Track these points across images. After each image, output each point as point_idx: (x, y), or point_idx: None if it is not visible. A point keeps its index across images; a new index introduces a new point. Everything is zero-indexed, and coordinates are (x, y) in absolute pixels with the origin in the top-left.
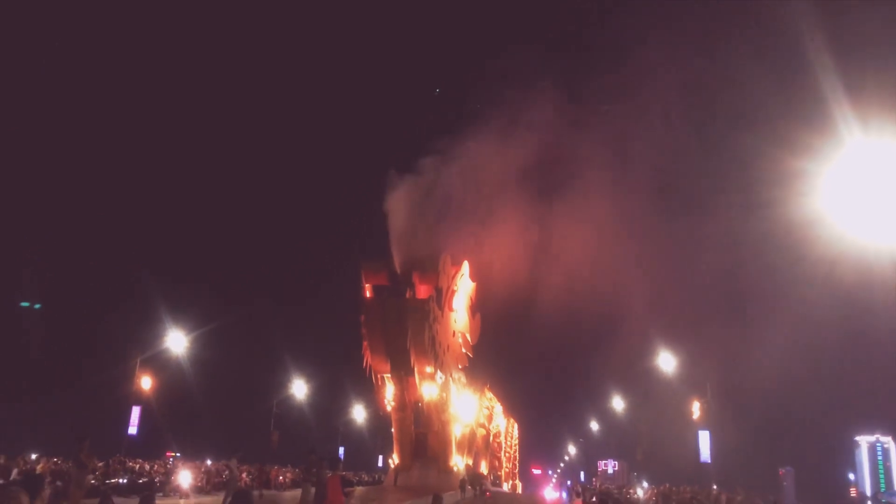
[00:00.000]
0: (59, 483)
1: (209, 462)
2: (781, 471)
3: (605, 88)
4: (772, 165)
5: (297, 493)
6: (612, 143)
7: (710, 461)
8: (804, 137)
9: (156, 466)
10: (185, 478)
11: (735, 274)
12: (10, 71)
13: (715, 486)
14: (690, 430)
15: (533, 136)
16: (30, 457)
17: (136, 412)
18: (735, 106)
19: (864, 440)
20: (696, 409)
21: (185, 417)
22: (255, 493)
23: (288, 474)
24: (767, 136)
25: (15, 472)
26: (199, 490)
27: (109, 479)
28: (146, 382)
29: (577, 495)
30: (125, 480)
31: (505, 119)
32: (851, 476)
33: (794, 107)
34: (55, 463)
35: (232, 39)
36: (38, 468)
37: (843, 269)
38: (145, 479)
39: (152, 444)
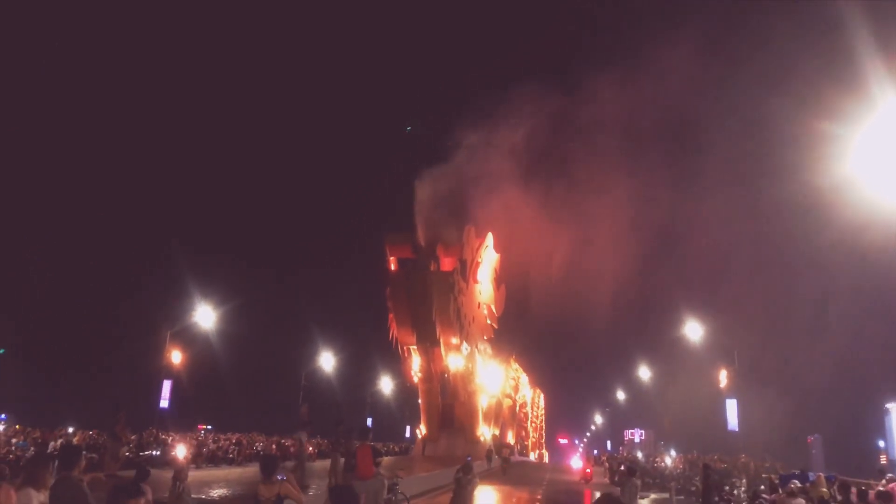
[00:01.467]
0: (94, 455)
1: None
2: (810, 438)
3: (626, 49)
4: (799, 129)
5: (327, 463)
6: (635, 108)
7: (737, 429)
8: (834, 99)
9: (188, 438)
10: (180, 451)
11: (761, 241)
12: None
13: (743, 455)
14: (718, 398)
15: (554, 105)
16: (66, 430)
17: (167, 386)
18: (760, 66)
19: (894, 407)
20: (723, 377)
21: (216, 391)
22: (286, 464)
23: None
24: (795, 98)
25: (52, 445)
26: (213, 459)
27: (143, 451)
28: (176, 356)
29: (597, 463)
30: (158, 452)
31: (524, 91)
32: (881, 443)
33: (824, 67)
34: (91, 436)
35: (262, 16)
36: (75, 440)
37: (873, 235)
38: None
39: (184, 417)
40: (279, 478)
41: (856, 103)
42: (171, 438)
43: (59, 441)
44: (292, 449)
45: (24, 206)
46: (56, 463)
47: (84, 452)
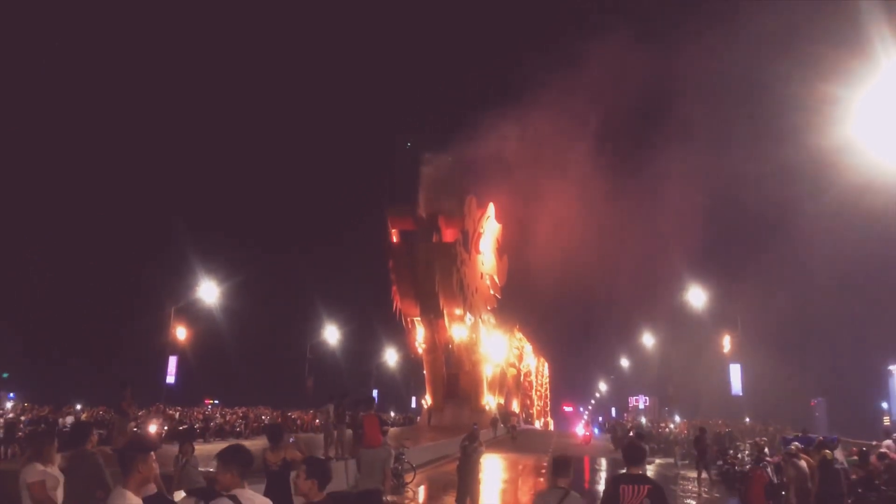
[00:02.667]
0: (102, 431)
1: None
2: (813, 401)
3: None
4: (801, 91)
5: (332, 435)
6: (634, 69)
7: (741, 394)
8: (836, 60)
9: (195, 413)
10: (152, 427)
11: (762, 205)
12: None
13: (747, 419)
14: (722, 363)
15: (554, 71)
16: (75, 407)
17: (173, 362)
18: (761, 26)
19: None
20: (726, 342)
21: (222, 365)
22: (289, 436)
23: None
24: (796, 59)
25: (60, 422)
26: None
27: (151, 427)
28: (181, 332)
29: (605, 430)
30: (166, 427)
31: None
32: (885, 405)
33: (826, 27)
34: (99, 413)
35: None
36: (83, 417)
37: (873, 198)
38: (185, 426)
39: (190, 392)
40: (290, 440)
41: (858, 64)
42: (141, 413)
43: (68, 418)
44: (317, 422)
45: (29, 184)
46: (68, 439)
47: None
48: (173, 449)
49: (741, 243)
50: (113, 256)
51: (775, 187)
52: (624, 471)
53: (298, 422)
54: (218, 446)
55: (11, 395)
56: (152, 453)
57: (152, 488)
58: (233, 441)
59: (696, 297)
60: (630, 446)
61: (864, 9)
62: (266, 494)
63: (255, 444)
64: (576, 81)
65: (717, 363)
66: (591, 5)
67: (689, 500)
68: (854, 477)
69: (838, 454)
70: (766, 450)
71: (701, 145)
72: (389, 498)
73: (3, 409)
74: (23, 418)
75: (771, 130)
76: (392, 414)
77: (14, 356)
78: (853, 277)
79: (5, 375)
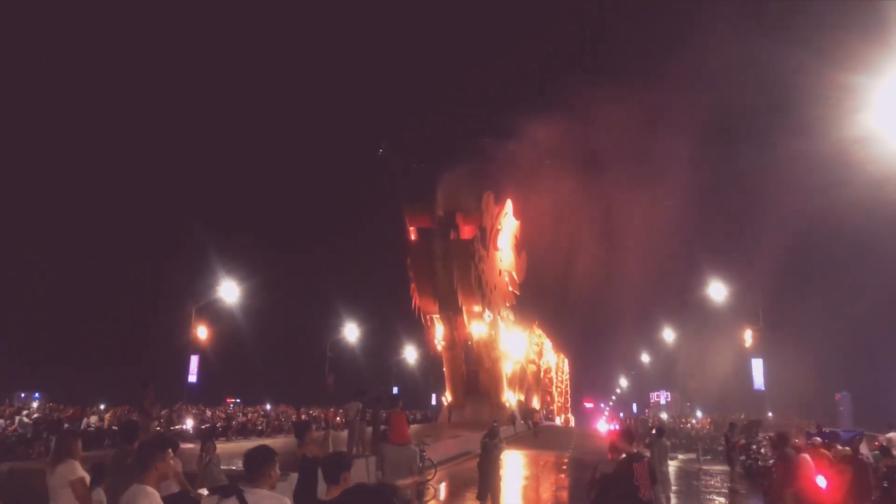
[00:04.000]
0: None
1: (268, 406)
2: (837, 396)
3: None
4: (821, 80)
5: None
6: (650, 66)
7: (763, 388)
8: (856, 49)
9: (217, 412)
10: (188, 422)
11: (783, 197)
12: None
13: (770, 413)
14: (744, 358)
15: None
16: (98, 407)
17: (194, 361)
18: (780, 16)
19: None
20: (748, 336)
21: (242, 364)
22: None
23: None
24: (816, 48)
25: (84, 421)
26: (250, 432)
27: (173, 426)
28: (203, 332)
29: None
30: (189, 427)
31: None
32: None
33: (846, 15)
34: (123, 412)
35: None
36: (107, 417)
37: (894, 190)
38: (208, 425)
39: (212, 391)
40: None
41: (879, 53)
42: (175, 407)
43: (93, 417)
44: (339, 420)
45: (55, 184)
46: (119, 437)
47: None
48: (195, 448)
49: (762, 236)
50: (134, 257)
51: (796, 178)
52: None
53: (338, 419)
54: (241, 445)
55: (37, 395)
56: (170, 451)
57: (174, 486)
58: (255, 440)
59: (717, 290)
60: (628, 433)
61: None
62: (296, 487)
63: (276, 443)
64: (594, 73)
65: (738, 357)
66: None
67: (712, 496)
68: (884, 470)
69: (863, 448)
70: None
71: (720, 137)
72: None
73: (29, 409)
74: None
75: (790, 121)
76: (414, 413)
77: (38, 356)
78: (876, 269)
79: (37, 396)
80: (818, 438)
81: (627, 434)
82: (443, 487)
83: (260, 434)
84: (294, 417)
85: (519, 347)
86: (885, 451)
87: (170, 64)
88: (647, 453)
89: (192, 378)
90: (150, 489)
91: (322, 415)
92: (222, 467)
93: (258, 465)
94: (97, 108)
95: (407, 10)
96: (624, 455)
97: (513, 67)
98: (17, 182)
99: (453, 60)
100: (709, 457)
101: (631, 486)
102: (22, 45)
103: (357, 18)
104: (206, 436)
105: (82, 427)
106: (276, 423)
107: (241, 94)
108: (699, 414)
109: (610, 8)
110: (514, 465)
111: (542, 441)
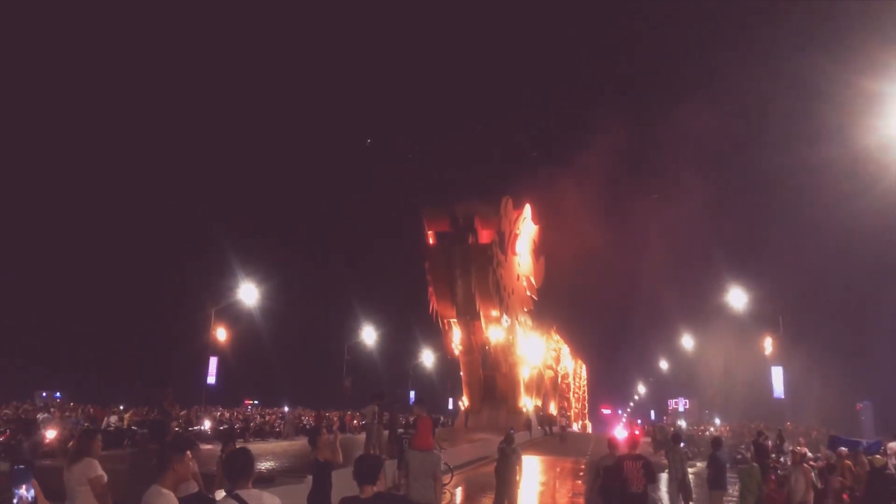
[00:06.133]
0: (145, 431)
1: (286, 409)
2: (859, 405)
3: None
4: (842, 89)
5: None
6: (665, 64)
7: (783, 397)
8: (879, 56)
9: (235, 413)
10: (205, 424)
11: (804, 204)
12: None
13: (789, 423)
14: (763, 365)
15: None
16: (118, 408)
17: (213, 362)
18: (800, 22)
19: None
20: (768, 344)
21: (261, 366)
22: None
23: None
24: (837, 55)
25: (105, 421)
26: (269, 434)
27: (192, 427)
28: (222, 334)
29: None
30: (207, 428)
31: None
32: None
33: (868, 22)
34: (143, 412)
35: None
36: (126, 417)
37: None
38: (226, 426)
39: (231, 392)
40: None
41: None
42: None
43: (112, 417)
44: (356, 423)
45: (80, 186)
46: (150, 437)
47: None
48: (214, 449)
49: (783, 243)
50: (156, 259)
51: (818, 185)
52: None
53: (355, 422)
54: (259, 446)
55: (57, 394)
56: (189, 453)
57: (193, 486)
58: (273, 442)
59: (737, 297)
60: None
61: None
62: (311, 489)
63: (294, 445)
64: (612, 79)
65: (758, 365)
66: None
67: None
68: None
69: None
70: (809, 454)
71: (742, 144)
72: None
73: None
74: (69, 416)
75: (811, 127)
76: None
77: (59, 357)
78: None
79: (58, 396)
80: (844, 448)
81: (631, 441)
82: (459, 492)
83: (278, 436)
84: (312, 420)
85: (536, 353)
86: None
87: (198, 70)
88: (646, 456)
89: (212, 379)
90: (166, 490)
91: (336, 418)
92: None
93: (242, 469)
94: (122, 112)
95: (428, 12)
96: (619, 454)
97: (534, 75)
98: (42, 182)
99: (477, 69)
100: (727, 465)
101: (620, 479)
102: (50, 42)
103: (383, 21)
104: (226, 437)
105: (102, 427)
106: (295, 424)
107: (261, 96)
108: (717, 421)
109: (629, 11)
110: (530, 471)
111: (561, 447)
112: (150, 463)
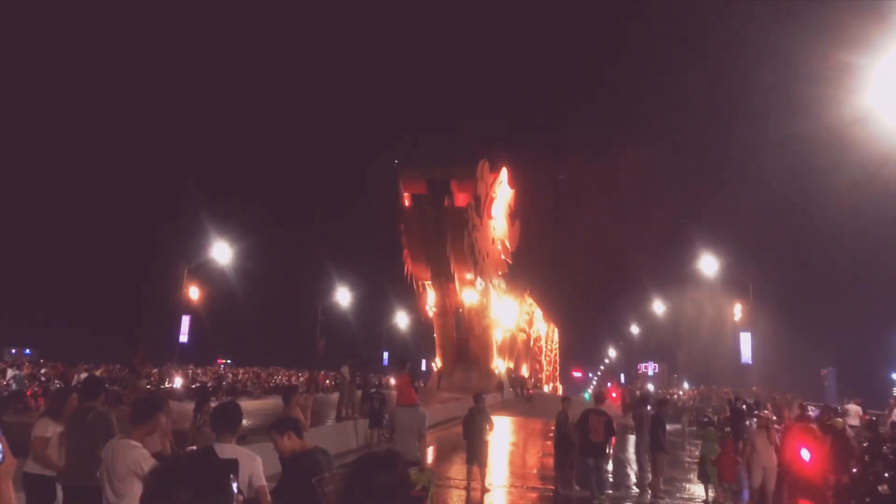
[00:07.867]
0: (116, 388)
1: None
2: (823, 371)
3: None
4: (816, 61)
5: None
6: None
7: (750, 362)
8: (854, 28)
9: (207, 372)
10: (177, 382)
11: (775, 177)
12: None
13: (755, 387)
14: (732, 331)
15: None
16: (89, 365)
17: (186, 321)
18: None
19: None
20: (737, 311)
21: (234, 326)
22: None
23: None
24: (812, 27)
25: (75, 378)
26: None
27: (163, 385)
28: (195, 292)
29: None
30: (178, 386)
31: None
32: (895, 376)
33: None
34: (114, 370)
35: None
36: (98, 374)
37: (893, 168)
38: (198, 384)
39: (203, 351)
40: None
41: (877, 31)
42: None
43: (82, 375)
44: (328, 382)
45: (49, 146)
46: (80, 393)
47: (106, 385)
48: (187, 406)
49: (756, 212)
50: (128, 217)
51: (791, 157)
52: (592, 407)
53: (328, 382)
54: None
55: (27, 351)
56: (160, 411)
57: (158, 443)
58: (245, 401)
59: (708, 264)
60: (596, 395)
61: None
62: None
63: (266, 404)
64: (594, 50)
65: (727, 331)
66: None
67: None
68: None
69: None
70: (774, 417)
71: (715, 115)
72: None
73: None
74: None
75: (787, 100)
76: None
77: (31, 314)
78: (868, 248)
79: (27, 352)
80: (811, 412)
81: (599, 396)
82: (431, 451)
83: (249, 395)
84: (283, 380)
85: (510, 316)
86: (871, 426)
87: (173, 36)
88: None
89: (184, 338)
90: (135, 442)
91: (310, 377)
92: None
93: (228, 420)
94: (93, 72)
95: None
96: (585, 409)
97: (513, 41)
98: (15, 141)
99: (453, 32)
100: (694, 428)
101: (584, 430)
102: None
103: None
104: (201, 396)
105: (73, 384)
106: (267, 384)
107: (237, 58)
108: (686, 385)
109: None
110: (501, 432)
111: (530, 408)
112: (85, 420)
